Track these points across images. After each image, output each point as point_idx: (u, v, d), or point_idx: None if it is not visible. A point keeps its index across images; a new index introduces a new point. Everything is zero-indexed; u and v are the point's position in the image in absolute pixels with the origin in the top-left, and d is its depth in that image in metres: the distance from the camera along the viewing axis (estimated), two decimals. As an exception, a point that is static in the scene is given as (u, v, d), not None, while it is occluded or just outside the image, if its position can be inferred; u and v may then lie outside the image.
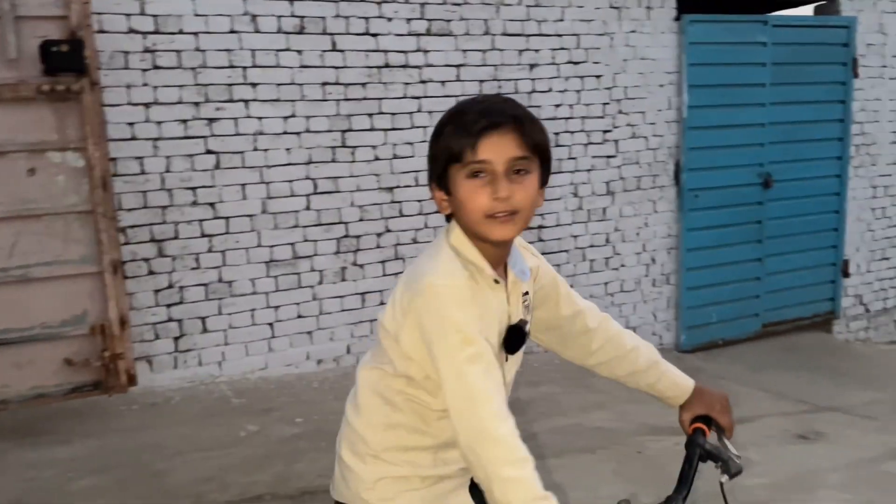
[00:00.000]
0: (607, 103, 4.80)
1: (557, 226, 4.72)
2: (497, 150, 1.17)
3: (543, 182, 1.25)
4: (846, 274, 5.80)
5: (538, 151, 1.21)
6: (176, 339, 3.85)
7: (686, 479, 1.27)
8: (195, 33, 3.72)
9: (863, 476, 3.26)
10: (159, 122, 3.70)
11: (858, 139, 5.71)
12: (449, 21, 4.28)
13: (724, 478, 1.29)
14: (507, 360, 1.31)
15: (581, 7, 4.64)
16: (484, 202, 1.17)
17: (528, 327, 1.35)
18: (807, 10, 5.93)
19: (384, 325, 1.28)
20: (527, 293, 1.35)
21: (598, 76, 4.75)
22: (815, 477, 3.18)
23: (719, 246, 5.20)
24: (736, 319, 5.36)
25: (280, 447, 3.15)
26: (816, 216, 5.60)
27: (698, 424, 1.39)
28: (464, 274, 1.20)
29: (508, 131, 1.17)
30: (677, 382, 1.45)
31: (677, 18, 4.92)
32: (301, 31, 3.94)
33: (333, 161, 4.10)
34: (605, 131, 4.82)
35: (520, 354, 1.36)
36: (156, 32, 3.65)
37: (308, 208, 4.06)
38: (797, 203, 5.47)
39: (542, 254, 1.47)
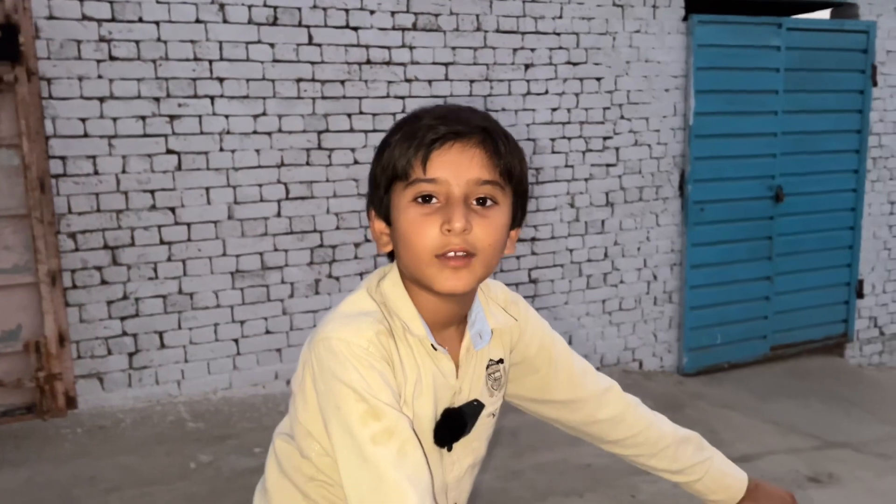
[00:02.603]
0: (608, 108, 4.47)
1: (552, 238, 4.38)
2: (456, 167, 0.86)
3: (516, 223, 0.94)
4: (860, 294, 5.45)
5: (512, 180, 0.90)
6: (131, 354, 3.54)
7: None
8: (156, 22, 3.41)
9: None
10: (115, 119, 3.39)
11: (876, 151, 5.36)
12: (437, 15, 3.96)
13: None
14: (449, 450, 0.97)
15: (581, 4, 4.31)
16: (432, 236, 0.86)
17: (487, 411, 1.01)
18: (823, 15, 5.58)
19: (292, 385, 0.99)
20: (499, 361, 1.02)
21: (598, 78, 4.42)
22: (829, 530, 2.84)
23: (726, 263, 4.86)
24: (743, 341, 5.01)
25: (230, 483, 2.82)
26: (830, 232, 5.25)
27: None
28: (375, 329, 0.88)
29: (473, 145, 0.87)
30: (724, 483, 1.13)
31: (685, 19, 4.59)
32: (274, 23, 3.62)
33: (308, 164, 3.78)
34: (606, 138, 4.49)
35: (477, 444, 1.02)
36: (112, 20, 3.34)
37: (279, 215, 3.74)
38: (810, 218, 5.12)
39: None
